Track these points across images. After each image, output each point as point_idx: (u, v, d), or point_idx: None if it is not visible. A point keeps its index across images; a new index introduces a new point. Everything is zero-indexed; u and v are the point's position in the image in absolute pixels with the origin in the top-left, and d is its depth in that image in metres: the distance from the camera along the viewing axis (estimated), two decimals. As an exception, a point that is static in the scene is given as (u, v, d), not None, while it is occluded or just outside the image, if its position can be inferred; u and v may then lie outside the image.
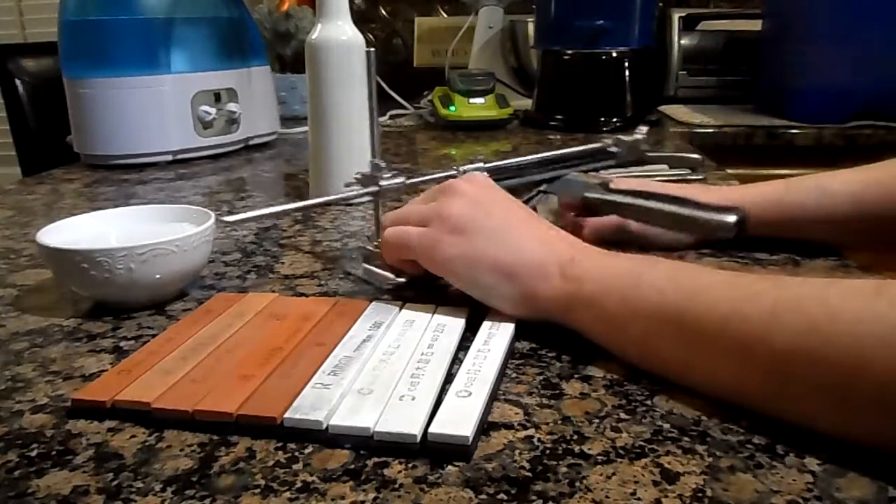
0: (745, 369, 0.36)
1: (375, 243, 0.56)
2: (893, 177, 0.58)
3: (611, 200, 0.63)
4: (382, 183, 0.55)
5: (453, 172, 0.61)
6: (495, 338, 0.44)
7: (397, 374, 0.40)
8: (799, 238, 0.61)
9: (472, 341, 0.43)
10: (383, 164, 0.55)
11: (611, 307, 0.41)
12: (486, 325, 0.45)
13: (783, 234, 0.62)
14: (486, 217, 0.47)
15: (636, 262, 0.43)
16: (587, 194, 0.64)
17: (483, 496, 0.31)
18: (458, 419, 0.35)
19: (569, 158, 0.69)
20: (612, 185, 0.64)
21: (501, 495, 0.31)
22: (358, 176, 0.58)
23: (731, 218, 0.54)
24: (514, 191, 0.56)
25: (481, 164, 0.64)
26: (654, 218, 0.60)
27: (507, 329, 0.45)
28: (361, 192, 0.55)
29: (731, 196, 0.62)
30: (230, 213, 0.48)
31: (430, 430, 0.34)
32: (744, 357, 0.36)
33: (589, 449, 0.34)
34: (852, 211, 0.59)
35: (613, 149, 0.72)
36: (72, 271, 0.50)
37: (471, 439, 0.34)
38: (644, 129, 0.76)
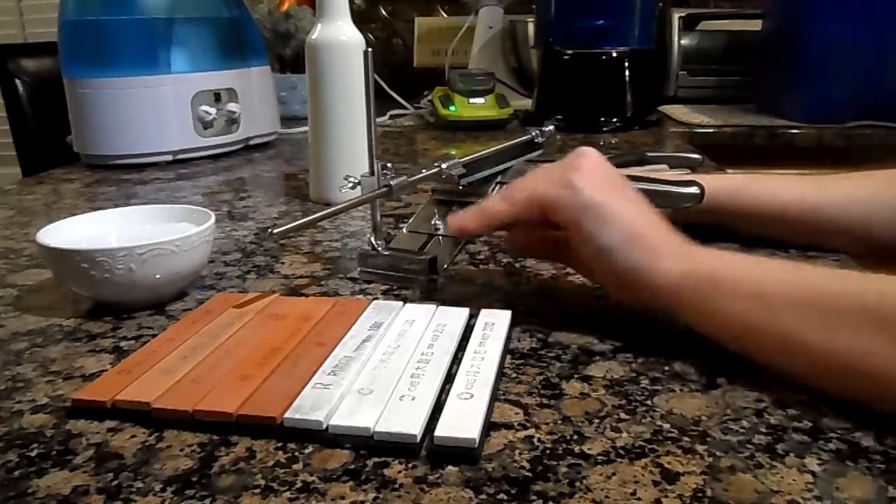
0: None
1: (378, 244, 0.56)
2: (855, 188, 0.59)
3: None
4: (392, 182, 0.55)
5: (436, 170, 0.60)
6: (490, 339, 0.44)
7: (397, 374, 0.40)
8: (752, 234, 0.62)
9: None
10: (389, 165, 0.55)
11: (729, 282, 0.41)
12: (478, 327, 0.45)
13: (737, 226, 0.62)
14: (617, 178, 0.47)
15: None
16: None
17: (483, 496, 0.31)
18: (464, 422, 0.35)
19: (504, 152, 0.70)
20: None
21: (501, 495, 0.31)
22: (356, 179, 0.57)
23: (695, 189, 0.59)
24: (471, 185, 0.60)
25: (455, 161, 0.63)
26: None
27: (502, 331, 0.45)
28: (375, 193, 0.55)
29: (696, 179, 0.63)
30: (275, 226, 0.51)
31: (437, 433, 0.34)
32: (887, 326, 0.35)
33: (589, 449, 0.34)
34: (806, 214, 0.60)
35: (539, 139, 0.75)
36: (72, 271, 0.50)
37: (477, 442, 0.34)
38: (551, 124, 0.78)
